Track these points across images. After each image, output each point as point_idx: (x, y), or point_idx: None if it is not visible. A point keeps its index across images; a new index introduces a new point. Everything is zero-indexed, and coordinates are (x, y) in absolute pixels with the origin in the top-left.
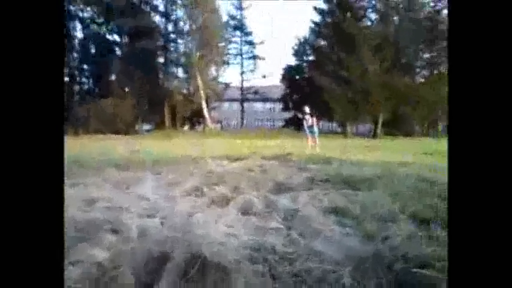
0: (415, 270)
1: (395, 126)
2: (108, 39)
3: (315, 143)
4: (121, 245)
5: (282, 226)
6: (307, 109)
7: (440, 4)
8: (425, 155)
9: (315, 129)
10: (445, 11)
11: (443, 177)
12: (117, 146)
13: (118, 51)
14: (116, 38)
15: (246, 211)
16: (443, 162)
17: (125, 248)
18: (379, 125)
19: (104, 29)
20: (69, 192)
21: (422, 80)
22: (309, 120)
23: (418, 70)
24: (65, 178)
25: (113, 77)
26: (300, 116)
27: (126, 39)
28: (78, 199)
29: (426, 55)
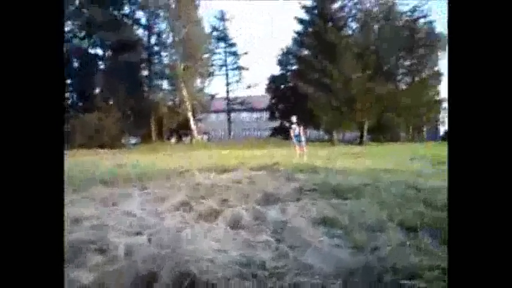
0: (404, 282)
1: (381, 133)
2: (90, 53)
3: (302, 152)
4: (107, 266)
5: (271, 239)
6: (294, 119)
7: (416, 14)
8: (411, 161)
9: (302, 138)
10: (422, 20)
11: (429, 183)
12: (103, 160)
13: (101, 65)
14: (99, 51)
15: (234, 225)
16: (429, 168)
17: (111, 269)
18: (365, 132)
19: (86, 43)
20: None
21: (405, 87)
22: (296, 129)
23: (399, 77)
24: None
25: (97, 91)
26: (287, 125)
27: (109, 53)
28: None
29: (407, 62)
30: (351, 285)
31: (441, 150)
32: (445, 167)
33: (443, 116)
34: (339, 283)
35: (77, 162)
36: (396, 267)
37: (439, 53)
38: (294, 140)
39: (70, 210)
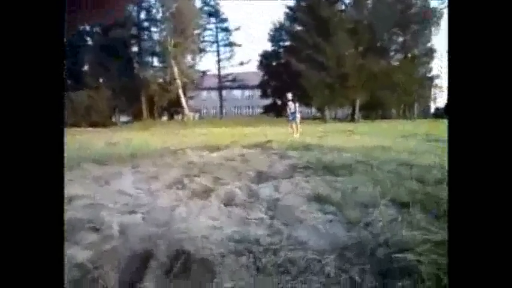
0: (396, 255)
1: (373, 110)
2: (78, 29)
3: (296, 129)
4: (102, 244)
5: (265, 216)
6: (289, 95)
7: None
8: (403, 138)
9: (298, 115)
10: None
11: (421, 160)
12: (94, 139)
13: (89, 42)
14: (86, 27)
15: (228, 202)
16: (421, 145)
17: (106, 247)
18: (357, 109)
19: None
20: None
21: (397, 64)
22: (292, 106)
23: (392, 54)
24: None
25: (86, 68)
26: (280, 102)
27: (97, 29)
28: None
29: (400, 39)
30: (344, 259)
31: (433, 128)
32: (437, 144)
33: (435, 93)
34: (333, 258)
35: (68, 141)
36: (389, 241)
37: (432, 29)
38: (290, 117)
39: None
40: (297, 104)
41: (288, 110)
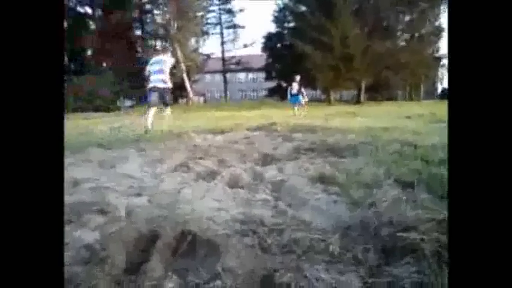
0: (400, 234)
1: (378, 91)
2: (79, 12)
3: (303, 111)
4: (109, 226)
5: (269, 197)
6: (297, 78)
7: None
8: (408, 119)
9: (301, 97)
10: None
11: (426, 140)
12: (99, 124)
13: (92, 25)
14: (88, 10)
15: (233, 184)
16: (426, 125)
17: (113, 229)
18: (362, 91)
19: (74, 1)
20: None
21: (403, 44)
22: (296, 88)
23: (398, 34)
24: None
25: (89, 53)
26: (285, 85)
27: (99, 12)
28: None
29: (407, 18)
30: (348, 239)
31: (438, 109)
32: (443, 125)
33: (442, 73)
34: (337, 237)
35: (73, 125)
36: (392, 221)
37: (441, 6)
38: (299, 99)
39: (69, 173)
40: (302, 86)
41: (288, 91)
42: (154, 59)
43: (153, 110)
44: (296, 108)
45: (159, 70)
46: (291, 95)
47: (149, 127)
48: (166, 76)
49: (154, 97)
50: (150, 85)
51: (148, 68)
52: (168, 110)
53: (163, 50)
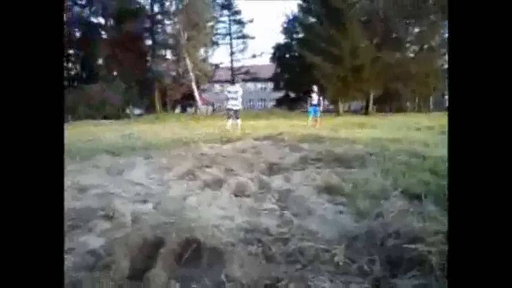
0: (406, 245)
1: (387, 103)
2: (92, 22)
3: (316, 122)
4: (115, 232)
5: (275, 206)
6: (315, 88)
7: None
8: (417, 131)
9: (319, 108)
10: None
11: (434, 152)
12: (108, 131)
13: (104, 35)
14: (101, 20)
15: (239, 193)
16: (435, 137)
17: (119, 235)
18: (371, 102)
19: (87, 12)
20: None
21: (412, 55)
22: (315, 98)
23: (408, 45)
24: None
25: (100, 62)
26: (293, 95)
27: (111, 22)
28: (70, 187)
29: (416, 30)
30: (353, 249)
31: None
32: None
33: None
34: (342, 248)
35: (82, 132)
36: (399, 232)
37: None
38: (313, 110)
39: (77, 179)
40: (321, 97)
41: (308, 102)
42: (231, 87)
43: (230, 121)
44: (311, 117)
45: (235, 98)
46: (311, 105)
47: (228, 128)
48: (239, 102)
49: (231, 113)
50: (228, 106)
51: (227, 93)
52: (239, 121)
53: (238, 81)
